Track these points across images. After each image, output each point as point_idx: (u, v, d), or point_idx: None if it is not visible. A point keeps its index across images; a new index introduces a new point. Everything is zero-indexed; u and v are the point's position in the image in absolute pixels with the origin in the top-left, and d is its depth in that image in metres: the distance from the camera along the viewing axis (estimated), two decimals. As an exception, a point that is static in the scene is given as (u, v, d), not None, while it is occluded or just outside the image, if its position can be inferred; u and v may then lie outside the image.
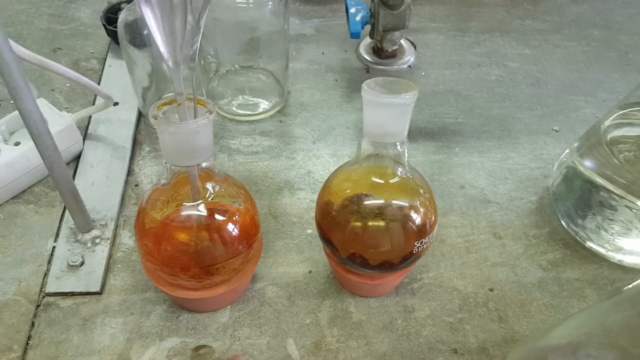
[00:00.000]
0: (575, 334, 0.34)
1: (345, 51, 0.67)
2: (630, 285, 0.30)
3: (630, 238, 0.45)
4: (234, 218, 0.38)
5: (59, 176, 0.39)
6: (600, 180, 0.45)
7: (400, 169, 0.37)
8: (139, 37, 0.49)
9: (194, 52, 0.35)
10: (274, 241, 0.47)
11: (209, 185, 0.37)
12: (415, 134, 0.56)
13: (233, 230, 0.38)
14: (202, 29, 0.36)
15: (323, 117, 0.59)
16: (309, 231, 0.48)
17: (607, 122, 0.47)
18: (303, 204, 0.50)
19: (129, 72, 0.52)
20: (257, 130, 0.57)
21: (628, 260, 0.46)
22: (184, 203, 0.37)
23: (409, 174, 0.37)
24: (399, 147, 0.35)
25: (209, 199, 0.37)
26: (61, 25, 0.67)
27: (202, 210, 0.37)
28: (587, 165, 0.47)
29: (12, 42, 0.33)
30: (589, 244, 0.47)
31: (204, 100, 0.34)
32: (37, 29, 0.66)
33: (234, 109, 0.58)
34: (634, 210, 0.43)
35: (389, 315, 0.43)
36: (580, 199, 0.48)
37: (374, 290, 0.43)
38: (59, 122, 0.49)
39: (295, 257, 0.46)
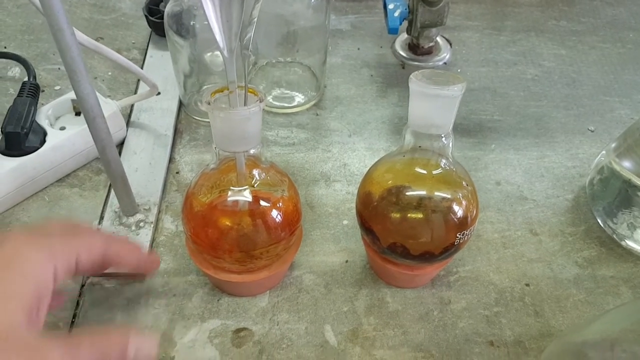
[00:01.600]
0: (612, 330, 0.34)
1: (381, 47, 0.67)
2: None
3: (667, 238, 0.45)
4: (278, 205, 0.39)
5: (109, 159, 0.41)
6: (637, 181, 0.45)
7: (443, 161, 0.37)
8: (184, 27, 0.50)
9: (247, 40, 0.36)
10: (311, 231, 0.48)
11: (255, 172, 0.38)
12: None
13: (277, 216, 0.39)
14: (255, 19, 0.37)
15: (358, 111, 0.59)
16: (345, 222, 0.49)
17: (646, 123, 0.47)
18: (339, 195, 0.51)
19: (173, 62, 0.53)
20: (293, 123, 0.58)
21: (664, 260, 0.46)
22: (231, 188, 0.38)
23: (452, 167, 0.38)
24: (443, 139, 0.36)
25: (255, 186, 0.38)
26: (103, 15, 0.69)
27: (248, 196, 0.38)
28: (624, 165, 0.47)
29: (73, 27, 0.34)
30: (625, 242, 0.47)
31: (255, 89, 0.35)
32: (79, 19, 0.68)
33: (270, 100, 0.59)
34: (672, 211, 0.44)
35: (425, 307, 0.43)
36: (616, 198, 0.48)
37: (411, 281, 0.44)
38: (105, 109, 0.49)
39: (331, 246, 0.47)
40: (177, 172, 0.52)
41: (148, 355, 0.29)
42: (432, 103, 0.34)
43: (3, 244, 0.26)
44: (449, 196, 0.38)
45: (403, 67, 0.65)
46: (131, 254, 0.33)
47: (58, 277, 0.27)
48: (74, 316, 0.42)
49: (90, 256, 0.29)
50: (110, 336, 0.28)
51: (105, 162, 0.41)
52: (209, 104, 0.34)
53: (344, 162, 0.54)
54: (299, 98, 0.59)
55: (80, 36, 0.41)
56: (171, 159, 0.53)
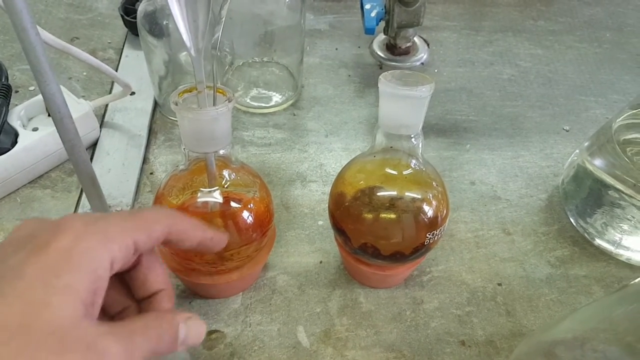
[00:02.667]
0: (582, 328, 0.34)
1: (359, 47, 0.67)
2: (636, 280, 0.31)
3: (638, 237, 0.46)
4: (249, 206, 0.39)
5: (78, 160, 0.40)
6: (609, 180, 0.46)
7: (414, 162, 0.37)
8: (157, 27, 0.49)
9: (215, 41, 0.36)
10: (286, 231, 0.48)
11: (225, 173, 0.38)
12: (427, 130, 0.57)
13: (248, 217, 0.38)
14: (223, 19, 0.36)
15: (335, 112, 0.59)
16: (320, 222, 0.49)
17: (618, 122, 0.47)
18: (315, 195, 0.51)
19: (147, 62, 0.53)
20: (270, 123, 0.57)
21: (636, 258, 0.47)
22: (201, 189, 0.37)
23: (422, 167, 0.38)
24: (413, 139, 0.36)
25: (225, 187, 0.38)
26: (79, 15, 0.68)
27: (218, 197, 0.38)
28: (596, 165, 0.47)
29: (37, 27, 0.34)
30: (598, 241, 0.48)
31: (224, 89, 0.35)
32: (56, 18, 0.67)
33: (247, 101, 0.58)
34: (642, 210, 0.44)
35: (398, 307, 0.43)
36: (589, 197, 0.48)
37: (384, 281, 0.44)
38: (77, 109, 0.50)
39: (306, 247, 0.47)
40: (151, 173, 0.51)
41: (198, 336, 0.29)
42: (401, 104, 0.34)
43: (61, 235, 0.25)
44: (419, 196, 0.38)
45: (381, 68, 0.65)
46: (196, 230, 0.31)
47: (115, 265, 0.26)
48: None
49: (150, 238, 0.28)
50: (162, 320, 0.27)
51: (74, 163, 0.40)
52: (176, 104, 0.33)
53: (320, 162, 0.54)
54: (277, 98, 0.59)
55: (48, 37, 0.41)
56: (145, 160, 0.53)
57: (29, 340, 0.22)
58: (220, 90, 0.35)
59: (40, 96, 0.52)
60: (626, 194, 0.45)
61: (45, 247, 0.25)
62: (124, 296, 0.30)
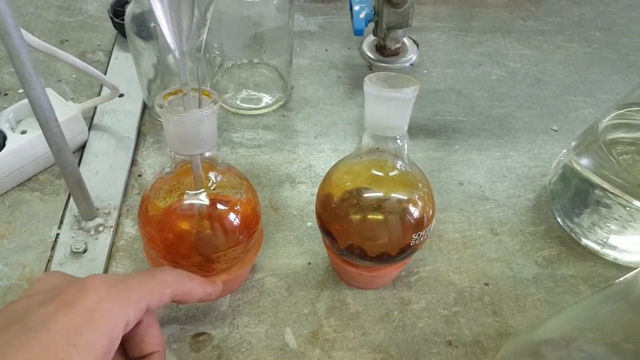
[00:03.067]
0: (567, 327, 0.34)
1: (349, 48, 0.67)
2: (620, 279, 0.31)
3: (625, 236, 0.46)
4: (236, 208, 0.39)
5: (64, 163, 0.40)
6: (596, 179, 0.46)
7: (399, 163, 0.38)
8: (145, 30, 0.49)
9: (200, 43, 0.36)
10: (275, 233, 0.48)
11: (211, 175, 0.38)
12: (416, 130, 0.57)
13: (234, 219, 0.39)
14: (208, 21, 0.36)
15: (325, 113, 0.59)
16: (309, 224, 0.49)
17: (605, 122, 0.47)
18: (304, 197, 0.51)
19: (135, 64, 0.53)
20: (259, 124, 0.58)
21: (622, 258, 0.47)
22: (187, 191, 0.37)
23: (408, 168, 0.38)
24: (399, 141, 0.36)
25: (212, 189, 0.38)
26: (69, 17, 0.68)
27: (204, 199, 0.38)
28: (583, 164, 0.47)
29: (22, 31, 0.34)
30: (585, 241, 0.48)
31: (209, 91, 0.35)
32: (45, 21, 0.67)
33: (237, 102, 0.59)
34: (628, 209, 0.44)
35: (385, 307, 0.44)
36: (576, 197, 0.48)
37: (372, 282, 0.44)
38: (65, 112, 0.50)
39: (295, 248, 0.47)
40: (139, 175, 0.51)
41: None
42: (386, 105, 0.34)
43: (86, 295, 0.27)
44: (405, 197, 0.38)
45: (370, 69, 0.65)
46: (199, 289, 0.35)
47: (128, 327, 0.29)
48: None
49: (161, 301, 0.32)
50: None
51: (60, 166, 0.40)
52: (161, 107, 0.33)
53: (310, 163, 0.54)
54: (267, 99, 0.59)
55: (33, 40, 0.41)
56: (134, 162, 0.53)
57: None
58: (206, 93, 0.35)
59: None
60: (613, 194, 0.45)
61: (71, 305, 0.27)
62: (120, 355, 0.33)
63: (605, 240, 0.47)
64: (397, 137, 0.36)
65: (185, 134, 0.34)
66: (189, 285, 0.34)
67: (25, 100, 0.51)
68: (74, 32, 0.66)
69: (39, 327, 0.26)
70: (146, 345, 0.32)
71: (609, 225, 0.46)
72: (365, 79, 0.34)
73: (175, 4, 0.32)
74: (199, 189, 0.37)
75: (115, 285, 0.29)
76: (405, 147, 0.37)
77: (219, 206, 0.38)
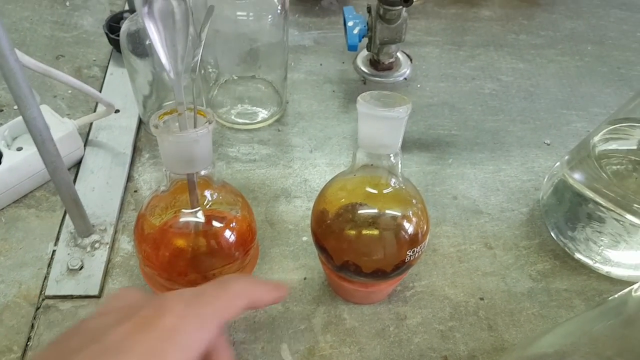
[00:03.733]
0: (562, 343, 0.35)
1: (343, 63, 0.68)
2: (615, 295, 0.31)
3: (618, 250, 0.46)
4: (231, 225, 0.39)
5: (60, 182, 0.40)
6: (589, 193, 0.46)
7: (393, 180, 0.38)
8: (140, 47, 0.50)
9: (195, 63, 0.37)
10: (270, 248, 0.48)
11: (207, 193, 0.38)
12: (410, 144, 0.57)
13: (230, 237, 0.39)
14: (203, 42, 0.37)
15: (320, 127, 0.60)
16: (304, 238, 0.49)
17: (597, 137, 0.48)
18: (299, 211, 0.51)
19: (131, 81, 0.53)
20: (255, 139, 0.58)
21: (616, 272, 0.47)
22: (183, 210, 0.38)
23: (402, 185, 0.38)
24: (392, 158, 0.36)
25: (207, 206, 0.38)
26: (64, 32, 0.68)
27: (200, 217, 0.38)
28: (576, 178, 0.48)
29: (17, 52, 0.34)
30: (578, 255, 0.48)
31: (204, 110, 0.35)
32: (41, 36, 0.67)
33: (233, 117, 0.59)
34: (622, 223, 0.45)
35: (381, 322, 0.44)
36: (569, 211, 0.49)
37: (367, 297, 0.44)
38: (61, 129, 0.50)
39: (290, 263, 0.47)
40: (135, 191, 0.52)
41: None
42: (379, 124, 0.35)
43: (165, 314, 0.27)
44: (399, 214, 0.38)
45: (364, 83, 0.66)
46: (268, 295, 0.34)
47: (206, 347, 0.28)
48: (29, 339, 0.42)
49: (235, 315, 0.31)
50: None
51: (56, 185, 0.41)
52: (156, 127, 0.34)
53: (305, 177, 0.54)
54: (262, 114, 0.59)
55: (29, 61, 0.41)
56: (130, 178, 0.53)
57: None
58: (201, 112, 0.35)
59: (24, 116, 0.52)
60: (606, 208, 0.45)
61: (150, 325, 0.26)
62: None
63: (598, 254, 0.47)
64: (391, 155, 0.36)
65: (180, 154, 0.34)
66: (258, 292, 0.33)
67: (21, 117, 0.51)
68: (70, 47, 0.67)
69: (118, 348, 0.25)
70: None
71: (602, 239, 0.46)
72: (359, 98, 0.34)
73: (170, 25, 0.32)
74: (195, 208, 0.37)
75: (191, 303, 0.28)
76: (399, 164, 0.37)
77: (215, 224, 0.39)
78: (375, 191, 0.38)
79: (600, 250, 0.47)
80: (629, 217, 0.44)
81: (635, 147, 0.48)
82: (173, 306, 0.27)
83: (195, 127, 0.35)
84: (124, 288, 0.31)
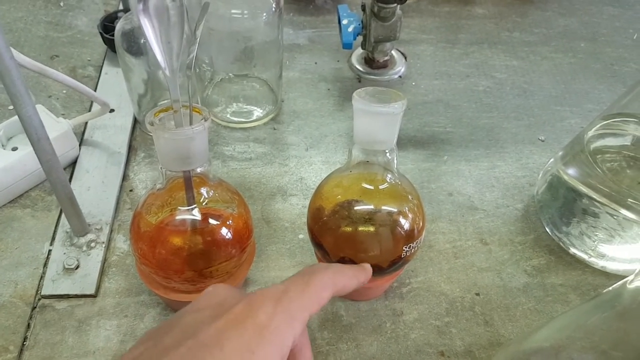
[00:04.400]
0: (558, 336, 0.35)
1: (338, 61, 0.68)
2: (609, 288, 0.31)
3: (612, 245, 0.46)
4: (227, 222, 0.39)
5: (56, 181, 0.40)
6: (583, 189, 0.47)
7: (389, 176, 0.38)
8: (135, 46, 0.50)
9: (190, 61, 0.37)
10: (267, 246, 0.48)
11: (203, 190, 0.38)
12: (405, 142, 0.58)
13: (226, 234, 0.39)
14: (198, 39, 0.37)
15: (315, 125, 0.60)
16: (300, 236, 0.49)
17: (591, 132, 0.48)
18: (295, 209, 0.51)
19: (125, 80, 0.53)
20: (250, 137, 0.58)
21: (610, 266, 0.48)
22: (179, 207, 0.38)
23: (397, 181, 0.39)
24: (388, 154, 0.37)
25: (203, 204, 0.38)
26: (59, 32, 0.68)
27: (196, 215, 0.38)
28: (570, 174, 0.48)
29: (13, 50, 0.34)
30: (573, 250, 0.49)
31: (200, 108, 0.35)
32: (35, 36, 0.67)
33: (228, 116, 0.59)
34: (616, 218, 0.45)
35: (378, 319, 0.44)
36: (564, 206, 0.49)
37: (364, 293, 0.44)
38: (56, 128, 0.50)
39: (287, 261, 0.47)
40: (130, 190, 0.52)
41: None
42: (375, 120, 0.35)
43: (255, 311, 0.27)
44: (395, 210, 0.38)
45: (359, 81, 0.66)
46: (352, 281, 0.34)
47: (295, 341, 0.29)
48: (25, 339, 0.41)
49: (321, 306, 0.31)
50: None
51: (52, 184, 0.41)
52: (152, 124, 0.34)
53: (301, 176, 0.55)
54: (258, 112, 0.59)
55: (24, 59, 0.41)
56: (125, 177, 0.53)
57: None
58: (197, 109, 0.35)
59: (19, 115, 0.52)
60: (600, 203, 0.45)
61: (242, 322, 0.27)
62: None
63: (593, 249, 0.47)
64: (386, 151, 0.36)
65: (176, 151, 0.34)
66: (343, 280, 0.33)
67: (16, 117, 0.51)
68: (64, 47, 0.67)
69: (213, 343, 0.26)
70: None
71: (597, 234, 0.46)
72: (354, 94, 0.34)
73: (165, 23, 0.32)
74: (191, 205, 0.38)
75: (280, 299, 0.28)
76: (395, 160, 0.37)
77: (211, 221, 0.39)
78: (371, 187, 0.38)
79: (595, 245, 0.47)
80: (623, 211, 0.44)
81: (628, 143, 0.49)
82: (263, 304, 0.28)
83: (191, 124, 0.35)
84: (215, 285, 0.31)
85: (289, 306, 0.28)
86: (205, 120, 0.34)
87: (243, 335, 0.26)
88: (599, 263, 0.48)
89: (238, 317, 0.27)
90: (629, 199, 0.44)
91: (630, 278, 0.28)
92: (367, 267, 0.36)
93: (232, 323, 0.27)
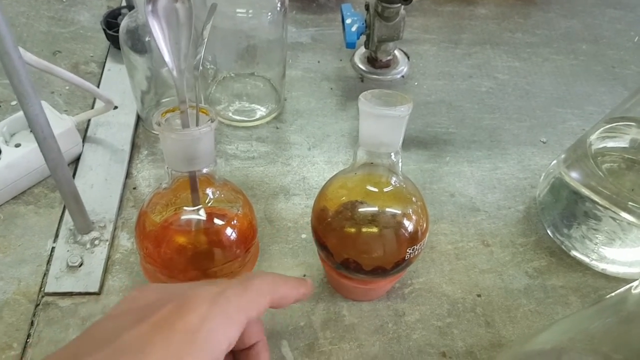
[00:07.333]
0: (559, 339, 0.35)
1: (341, 60, 0.68)
2: (613, 294, 0.32)
3: (613, 248, 0.47)
4: (232, 223, 0.39)
5: (61, 178, 0.40)
6: (585, 191, 0.47)
7: (394, 178, 0.38)
8: (140, 43, 0.50)
9: (198, 61, 0.37)
10: (270, 245, 0.49)
11: (208, 191, 0.38)
12: (408, 142, 0.58)
13: (231, 234, 0.39)
14: (205, 40, 0.37)
15: (318, 125, 0.60)
16: (303, 236, 0.49)
17: (594, 136, 0.48)
18: (298, 209, 0.52)
19: (129, 77, 0.53)
20: (253, 136, 0.58)
21: (611, 269, 0.48)
22: (184, 207, 0.38)
23: (402, 183, 0.39)
24: (393, 156, 0.37)
25: (209, 204, 0.38)
26: (61, 28, 0.68)
27: (202, 215, 0.38)
28: (573, 177, 0.48)
29: (20, 49, 0.34)
30: (574, 252, 0.49)
31: (207, 108, 0.35)
32: (37, 32, 0.67)
33: (230, 114, 0.59)
34: (617, 221, 0.45)
35: (380, 319, 0.44)
36: (566, 209, 0.49)
37: (366, 294, 0.44)
38: (60, 125, 0.50)
39: (290, 261, 0.48)
40: (134, 188, 0.52)
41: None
42: (381, 123, 0.35)
43: (186, 314, 0.25)
44: (399, 212, 0.39)
45: (362, 80, 0.66)
46: (293, 292, 0.32)
47: (230, 346, 0.26)
48: (28, 336, 0.42)
49: (259, 313, 0.29)
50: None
51: (57, 181, 0.41)
52: (159, 124, 0.34)
53: (303, 175, 0.55)
54: (261, 111, 0.59)
55: (31, 58, 0.41)
56: (128, 175, 0.53)
57: None
58: (203, 110, 0.35)
59: (22, 112, 0.52)
60: (601, 205, 0.46)
61: (169, 325, 0.24)
62: None
63: (594, 251, 0.48)
64: (391, 153, 0.37)
65: (183, 152, 0.35)
66: (283, 289, 0.31)
67: (20, 113, 0.51)
68: (67, 43, 0.66)
69: (134, 351, 0.23)
70: (249, 338, 0.31)
71: (598, 236, 0.47)
72: (360, 96, 0.35)
73: (173, 24, 0.33)
74: (196, 205, 0.38)
75: (215, 300, 0.26)
76: (399, 162, 0.37)
77: (216, 221, 0.39)
78: (375, 189, 0.38)
79: (596, 248, 0.47)
80: (624, 215, 0.44)
81: (629, 145, 0.49)
82: (197, 305, 0.26)
83: (197, 125, 0.35)
84: (139, 288, 0.29)
85: (226, 307, 0.26)
86: (212, 121, 0.34)
87: (170, 340, 0.24)
88: (600, 266, 0.48)
89: (166, 320, 0.25)
90: (629, 203, 0.44)
91: (635, 284, 0.29)
92: (309, 281, 0.35)
93: (157, 327, 0.24)
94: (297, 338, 0.43)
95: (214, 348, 0.25)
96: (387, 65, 0.66)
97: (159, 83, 0.55)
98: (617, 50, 0.73)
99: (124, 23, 0.49)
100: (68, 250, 0.46)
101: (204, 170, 0.37)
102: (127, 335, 0.24)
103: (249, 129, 0.59)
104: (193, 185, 0.37)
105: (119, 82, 0.61)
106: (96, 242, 0.46)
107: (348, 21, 0.61)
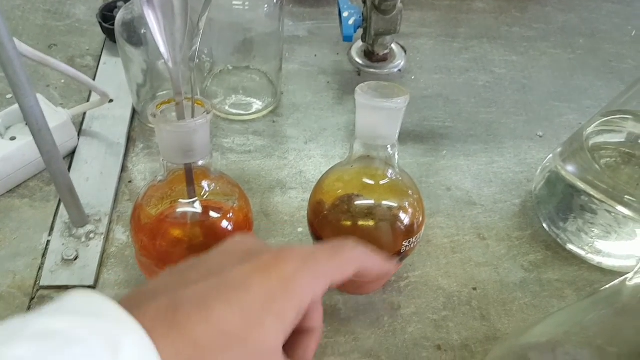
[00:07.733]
0: (554, 332, 0.35)
1: (338, 54, 0.68)
2: (607, 286, 0.32)
3: (609, 241, 0.47)
4: (228, 215, 0.39)
5: (56, 171, 0.40)
6: (581, 185, 0.47)
7: (390, 171, 0.38)
8: (135, 36, 0.49)
9: (193, 52, 0.37)
10: (266, 239, 0.48)
11: (204, 183, 0.38)
12: (405, 136, 0.58)
13: (227, 227, 0.39)
14: (201, 31, 0.37)
15: (315, 118, 0.60)
16: (300, 229, 0.49)
17: (590, 129, 0.48)
18: (294, 202, 0.51)
19: (125, 70, 0.53)
20: (250, 130, 0.58)
21: (607, 262, 0.48)
22: (180, 200, 0.38)
23: (398, 176, 0.39)
24: (389, 149, 0.37)
25: (204, 197, 0.38)
26: (57, 21, 0.68)
27: (197, 208, 0.38)
28: (569, 170, 0.48)
29: (15, 40, 0.34)
30: (570, 246, 0.49)
31: (202, 100, 0.35)
32: (33, 25, 0.67)
33: (227, 108, 0.59)
34: (613, 215, 0.45)
35: (376, 312, 0.44)
36: (561, 202, 0.49)
37: (362, 287, 0.44)
38: (55, 118, 0.50)
39: (286, 254, 0.47)
40: (129, 181, 0.52)
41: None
42: (377, 115, 0.35)
43: (283, 263, 0.27)
44: (395, 205, 0.39)
45: (359, 74, 0.66)
46: (379, 267, 0.34)
47: (312, 302, 0.29)
48: (24, 329, 0.41)
49: (343, 278, 0.30)
50: None
51: (52, 174, 0.41)
52: (154, 116, 0.34)
53: (300, 169, 0.55)
54: (257, 105, 0.59)
55: (26, 49, 0.41)
56: (124, 168, 0.53)
57: (245, 353, 0.25)
58: (199, 102, 0.35)
59: (17, 105, 0.51)
60: (598, 200, 0.46)
61: (269, 269, 0.27)
62: None
63: (590, 245, 0.48)
64: (388, 146, 0.37)
65: (178, 144, 0.34)
66: (370, 262, 0.33)
67: (15, 107, 0.51)
68: (62, 36, 0.66)
69: (238, 285, 0.26)
70: (309, 321, 0.32)
71: (594, 230, 0.47)
72: (357, 88, 0.34)
73: (169, 14, 0.32)
74: (192, 198, 0.38)
75: (306, 259, 0.28)
76: (396, 155, 0.37)
77: (212, 214, 0.39)
78: (372, 182, 0.38)
79: (591, 241, 0.47)
80: (620, 208, 0.45)
81: (625, 139, 0.49)
82: (292, 258, 0.28)
83: (193, 117, 0.35)
84: (242, 234, 0.32)
85: (315, 267, 0.29)
86: (208, 113, 0.34)
87: (268, 282, 0.26)
88: (595, 259, 0.48)
89: (266, 265, 0.27)
90: (625, 196, 0.44)
91: (629, 275, 0.29)
92: (394, 261, 0.36)
93: (258, 269, 0.27)
94: (293, 331, 0.43)
95: (301, 297, 0.27)
96: (384, 59, 0.66)
97: (155, 76, 0.55)
98: (614, 44, 0.73)
99: (120, 15, 0.49)
100: (63, 244, 0.45)
101: (200, 163, 0.36)
102: (232, 270, 0.27)
103: (245, 123, 0.59)
104: (189, 177, 0.37)
105: (114, 76, 0.60)
106: (91, 235, 0.46)
107: (345, 14, 0.61)
